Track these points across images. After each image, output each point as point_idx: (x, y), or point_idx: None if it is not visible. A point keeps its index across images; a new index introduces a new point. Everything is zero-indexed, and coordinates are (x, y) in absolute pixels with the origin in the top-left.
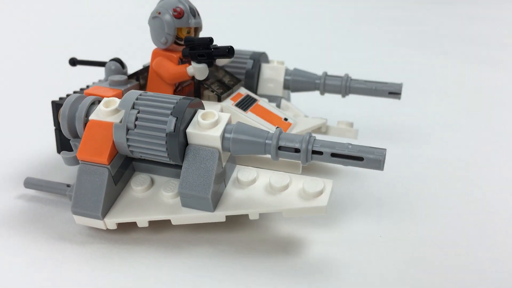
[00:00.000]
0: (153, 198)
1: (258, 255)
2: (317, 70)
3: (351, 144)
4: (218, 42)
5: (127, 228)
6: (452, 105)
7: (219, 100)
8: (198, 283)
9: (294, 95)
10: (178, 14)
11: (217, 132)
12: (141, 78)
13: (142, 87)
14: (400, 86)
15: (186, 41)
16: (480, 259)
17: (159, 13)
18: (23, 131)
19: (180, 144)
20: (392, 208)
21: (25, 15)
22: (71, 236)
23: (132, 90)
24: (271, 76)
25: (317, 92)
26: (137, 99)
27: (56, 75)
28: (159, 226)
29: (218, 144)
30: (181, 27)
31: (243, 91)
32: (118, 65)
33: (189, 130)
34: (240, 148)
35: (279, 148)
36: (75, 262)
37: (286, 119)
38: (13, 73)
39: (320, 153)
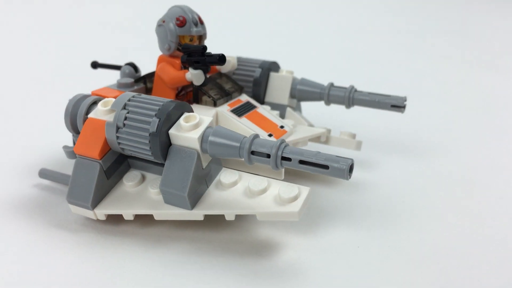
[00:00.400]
0: (141, 194)
1: (232, 254)
2: (330, 78)
3: (320, 152)
4: (234, 50)
5: (119, 220)
6: (461, 114)
7: (215, 105)
8: (166, 277)
9: (307, 105)
10: (180, 23)
11: (196, 134)
12: (148, 82)
13: (149, 90)
14: (402, 99)
15: (183, 48)
16: (462, 276)
17: (164, 21)
18: (44, 127)
19: (162, 144)
20: (380, 220)
21: (58, 19)
22: (67, 224)
23: (127, 92)
24: (278, 85)
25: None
26: (129, 100)
27: (79, 76)
28: (148, 220)
29: (197, 145)
30: (183, 35)
31: (243, 98)
32: (132, 69)
33: (171, 131)
34: (217, 151)
35: (252, 153)
36: (62, 247)
37: (282, 127)
38: (41, 74)
39: (289, 159)
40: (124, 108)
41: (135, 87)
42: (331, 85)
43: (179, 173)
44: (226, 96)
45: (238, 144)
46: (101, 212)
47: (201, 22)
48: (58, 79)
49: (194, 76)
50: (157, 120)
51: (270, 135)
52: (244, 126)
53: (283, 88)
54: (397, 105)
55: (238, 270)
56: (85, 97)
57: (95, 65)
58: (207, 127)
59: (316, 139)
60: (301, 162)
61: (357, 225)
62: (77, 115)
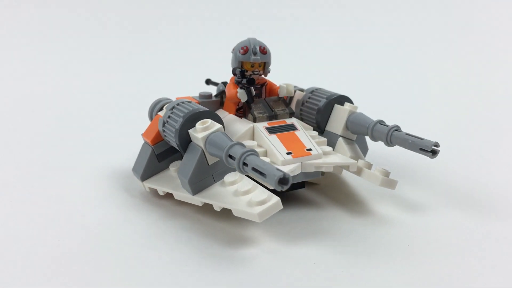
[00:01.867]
0: (175, 178)
1: (214, 238)
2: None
3: (269, 164)
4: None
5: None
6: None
7: (255, 121)
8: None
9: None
10: (243, 51)
11: (202, 135)
12: (224, 96)
13: (223, 103)
14: (430, 143)
15: (232, 71)
16: None
17: (233, 49)
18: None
19: (182, 138)
20: (362, 244)
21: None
22: (133, 191)
23: (181, 98)
24: (338, 117)
25: None
26: (177, 104)
27: (175, 87)
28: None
29: (201, 144)
30: (244, 61)
31: (289, 120)
32: (223, 86)
33: (190, 130)
34: (212, 151)
35: (229, 156)
36: (110, 206)
37: (309, 150)
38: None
39: (246, 165)
40: (171, 109)
41: (212, 99)
42: (378, 122)
43: (188, 163)
44: (270, 115)
45: (223, 148)
46: (146, 185)
47: (263, 52)
48: (157, 88)
49: (239, 94)
50: (182, 120)
51: (288, 153)
52: (269, 142)
53: (340, 119)
54: (425, 149)
55: (205, 248)
56: (165, 100)
57: (207, 82)
58: (214, 131)
59: (346, 168)
60: (253, 169)
61: (329, 244)
62: (153, 112)
